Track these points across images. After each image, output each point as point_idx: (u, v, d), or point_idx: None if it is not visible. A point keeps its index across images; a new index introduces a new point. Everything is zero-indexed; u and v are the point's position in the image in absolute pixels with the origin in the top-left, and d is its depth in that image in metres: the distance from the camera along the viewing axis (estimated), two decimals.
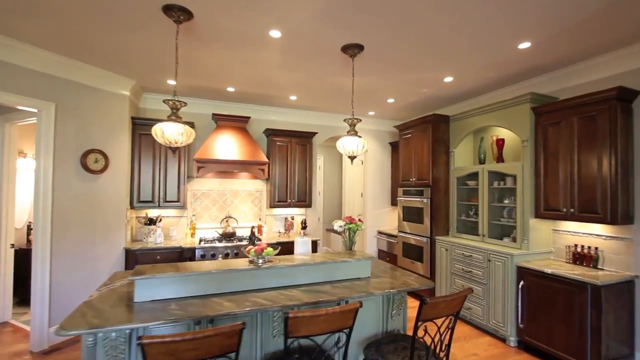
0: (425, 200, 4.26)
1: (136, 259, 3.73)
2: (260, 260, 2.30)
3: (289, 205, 4.69)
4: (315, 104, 4.67)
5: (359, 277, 2.50)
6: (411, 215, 4.59)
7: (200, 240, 4.08)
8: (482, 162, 4.01)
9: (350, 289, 2.21)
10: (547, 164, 3.14)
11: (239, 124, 4.47)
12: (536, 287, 2.94)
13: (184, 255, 3.85)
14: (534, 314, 2.95)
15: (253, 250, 2.26)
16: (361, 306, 1.66)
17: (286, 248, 4.25)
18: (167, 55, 3.02)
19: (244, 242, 4.06)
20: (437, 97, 4.32)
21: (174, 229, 4.37)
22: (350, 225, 2.80)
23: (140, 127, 3.97)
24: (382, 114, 5.23)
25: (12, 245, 3.63)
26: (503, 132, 3.83)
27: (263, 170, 4.28)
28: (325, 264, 2.38)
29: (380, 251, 5.52)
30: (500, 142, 3.75)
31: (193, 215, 4.48)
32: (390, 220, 5.75)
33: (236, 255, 4.02)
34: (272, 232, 4.87)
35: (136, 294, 1.95)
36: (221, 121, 4.39)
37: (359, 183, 6.05)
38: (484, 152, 4.00)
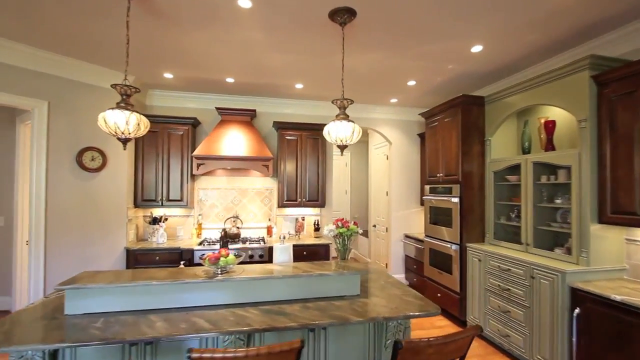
0: (454, 199, 3.55)
1: (136, 260, 3.63)
2: (219, 271, 1.93)
3: (300, 205, 4.29)
4: (326, 92, 4.20)
5: (343, 294, 2.00)
6: (438, 217, 3.89)
7: (203, 242, 3.86)
8: (526, 151, 3.21)
9: (324, 312, 1.73)
10: (616, 150, 2.31)
11: (243, 117, 4.19)
12: (599, 318, 2.15)
13: (183, 256, 3.66)
14: (596, 355, 2.17)
15: (207, 258, 1.90)
16: (302, 346, 1.19)
17: (301, 252, 3.87)
18: (155, 46, 2.81)
19: (248, 245, 3.75)
20: (468, 76, 3.58)
21: (180, 228, 4.23)
22: (341, 230, 2.31)
23: None
24: (406, 100, 4.57)
25: (27, 243, 3.75)
26: (553, 112, 3.00)
27: (267, 166, 3.94)
28: (296, 278, 1.93)
29: (407, 257, 4.86)
30: (549, 126, 2.93)
31: (199, 215, 4.30)
32: (419, 222, 5.05)
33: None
34: (282, 234, 4.51)
35: (66, 306, 1.69)
36: (225, 115, 4.15)
37: (384, 180, 5.43)
38: (528, 138, 3.19)
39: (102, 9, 2.27)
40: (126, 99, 2.02)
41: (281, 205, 4.25)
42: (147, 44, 2.83)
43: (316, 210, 4.66)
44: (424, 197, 4.19)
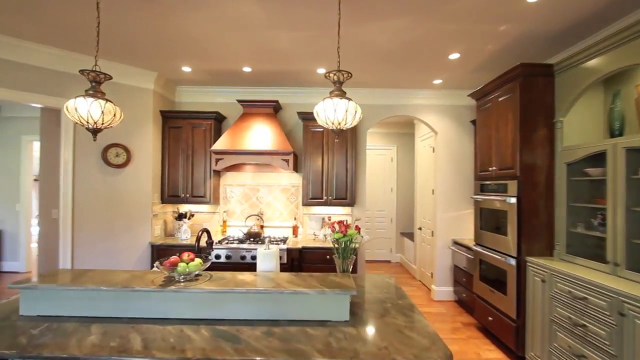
0: (510, 199, 2.78)
1: (159, 255, 3.65)
2: (182, 278, 1.66)
3: (326, 203, 3.89)
4: (359, 75, 3.69)
5: (327, 319, 1.55)
6: (490, 221, 3.13)
7: (224, 239, 3.72)
8: (616, 133, 2.32)
9: (286, 344, 1.32)
10: None
11: (265, 109, 3.94)
12: None
13: (200, 254, 3.55)
14: None
15: (163, 263, 1.64)
16: None
17: (317, 256, 3.51)
18: (162, 37, 2.71)
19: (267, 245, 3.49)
20: (528, 40, 2.75)
21: (207, 225, 4.18)
22: (336, 236, 1.86)
23: (170, 120, 3.90)
24: (452, 81, 3.82)
25: None
26: None
27: (287, 161, 3.62)
28: (264, 293, 1.55)
29: (456, 268, 4.10)
30: None
31: (224, 212, 4.20)
32: (471, 226, 4.22)
33: (253, 259, 3.50)
34: (307, 234, 4.17)
35: (21, 307, 1.58)
36: (246, 107, 3.95)
37: (430, 177, 4.70)
38: (619, 116, 2.30)
39: (116, 5, 2.19)
40: (96, 86, 1.88)
41: (306, 203, 3.91)
42: (154, 35, 2.73)
43: (347, 210, 4.20)
44: (472, 197, 3.43)
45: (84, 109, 1.81)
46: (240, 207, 4.23)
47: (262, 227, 4.14)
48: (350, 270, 1.96)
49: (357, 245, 1.97)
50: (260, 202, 4.23)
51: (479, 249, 3.30)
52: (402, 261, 6.18)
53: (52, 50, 2.99)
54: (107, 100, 1.90)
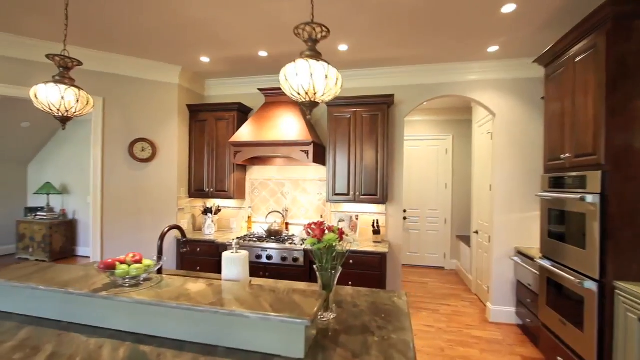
0: (590, 197, 1.98)
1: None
2: (126, 282, 1.44)
3: (354, 200, 3.42)
4: (387, 50, 3.15)
5: (275, 354, 1.16)
6: (561, 227, 2.31)
7: (245, 236, 3.54)
8: None
9: None
10: None
11: (286, 97, 3.62)
12: None
13: (219, 250, 3.43)
14: None
15: (99, 264, 1.43)
16: None
17: (346, 260, 3.09)
18: (179, 26, 2.61)
19: (287, 245, 3.20)
20: None
21: (233, 220, 4.07)
22: (309, 242, 1.44)
23: (196, 114, 3.87)
24: (512, 46, 2.98)
25: None
26: None
27: (307, 152, 3.26)
28: (195, 311, 1.22)
29: (519, 284, 3.24)
30: None
31: (249, 208, 4.03)
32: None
33: (269, 259, 3.24)
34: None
35: None
36: (268, 96, 3.70)
37: (488, 169, 3.86)
38: None
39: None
40: (64, 72, 1.78)
41: (330, 199, 3.50)
42: (164, 24, 2.64)
43: (380, 208, 3.66)
44: (538, 194, 2.60)
45: (54, 95, 1.71)
46: (265, 202, 4.02)
47: (286, 224, 3.86)
48: (333, 285, 1.51)
49: (344, 251, 1.52)
50: (286, 198, 3.95)
51: (545, 263, 2.49)
52: (457, 269, 5.32)
53: (81, 50, 3.13)
54: (77, 87, 1.79)
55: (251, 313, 1.15)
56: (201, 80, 4.08)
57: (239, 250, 1.63)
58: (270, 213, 3.86)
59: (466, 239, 4.99)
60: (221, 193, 3.80)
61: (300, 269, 3.16)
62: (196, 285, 1.44)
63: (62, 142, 6.10)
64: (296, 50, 3.16)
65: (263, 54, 3.28)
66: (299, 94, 1.36)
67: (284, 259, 3.19)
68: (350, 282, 3.10)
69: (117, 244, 3.43)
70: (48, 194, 5.83)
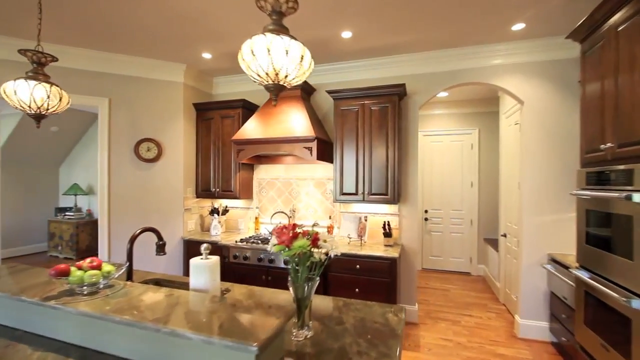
0: (638, 196, 1.60)
1: (189, 250, 3.59)
2: (84, 290, 1.32)
3: (363, 200, 3.18)
4: (396, 35, 2.87)
5: None
6: (602, 231, 1.93)
7: (249, 238, 3.41)
8: None
9: None
10: None
11: (291, 92, 3.44)
12: None
13: (222, 252, 3.33)
14: None
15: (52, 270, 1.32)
16: None
17: (343, 265, 2.89)
18: (174, 20, 2.54)
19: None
20: None
21: (242, 221, 3.96)
22: (275, 248, 1.25)
23: (202, 113, 3.81)
24: (540, 22, 2.57)
25: None
26: None
27: (310, 149, 3.06)
28: (137, 327, 1.07)
29: (552, 296, 2.83)
30: None
31: (257, 208, 3.90)
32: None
33: (271, 262, 3.08)
34: (341, 236, 3.51)
35: None
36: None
37: (515, 165, 3.44)
38: None
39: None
40: (37, 68, 1.71)
41: (337, 199, 3.27)
42: (163, 20, 2.56)
43: (392, 209, 3.38)
44: (572, 193, 2.21)
45: (25, 92, 1.65)
46: (273, 202, 3.87)
47: (294, 225, 3.67)
48: (309, 299, 1.30)
49: (321, 260, 1.30)
50: (294, 198, 3.78)
51: (582, 274, 2.10)
52: (485, 275, 4.87)
53: (85, 51, 3.15)
54: (51, 83, 1.71)
55: (193, 334, 0.97)
56: (208, 78, 4.01)
57: (209, 256, 1.47)
58: (275, 214, 3.70)
59: (494, 243, 4.54)
60: (227, 193, 3.70)
61: None
62: (154, 296, 1.29)
63: (89, 144, 6.36)
64: (302, 40, 2.96)
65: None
66: (259, 75, 1.17)
67: (286, 262, 3.00)
68: (356, 289, 2.87)
69: (124, 244, 3.43)
70: (75, 195, 6.10)
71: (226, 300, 1.25)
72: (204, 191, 3.82)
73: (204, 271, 1.41)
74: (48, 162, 6.42)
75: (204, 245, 1.48)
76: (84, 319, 1.19)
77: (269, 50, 1.19)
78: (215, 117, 3.75)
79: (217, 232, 3.68)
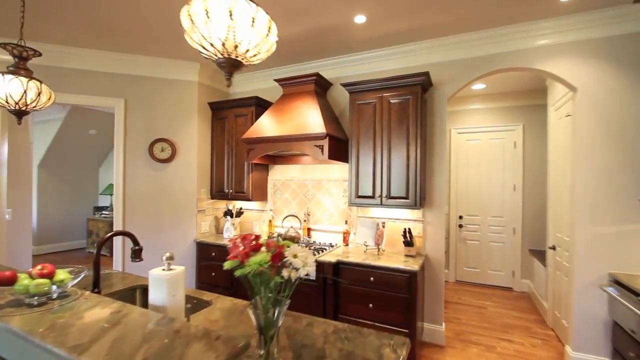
0: None
1: (200, 252, 3.50)
2: (35, 299, 1.19)
3: (380, 204, 2.85)
4: (416, 17, 2.53)
5: None
6: None
7: None
8: None
9: None
10: None
11: (304, 86, 3.22)
12: None
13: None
14: None
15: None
16: None
17: (356, 275, 2.60)
18: (162, 14, 2.46)
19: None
20: None
21: (256, 223, 3.81)
22: (228, 264, 1.02)
23: (217, 112, 3.72)
24: None
25: None
26: None
27: (321, 147, 2.80)
28: (49, 352, 0.88)
29: (616, 327, 2.28)
30: None
31: (271, 210, 3.72)
32: None
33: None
34: (357, 243, 3.19)
35: None
36: (285, 87, 3.34)
37: (567, 165, 2.89)
38: None
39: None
40: (19, 63, 1.64)
41: (352, 202, 2.98)
42: (166, 17, 2.48)
43: (415, 214, 3.00)
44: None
45: (2, 88, 1.59)
46: (287, 205, 3.66)
47: (308, 230, 3.44)
48: (276, 326, 1.04)
49: (289, 279, 1.04)
50: (309, 200, 3.54)
51: None
52: (530, 292, 4.25)
53: (100, 53, 3.19)
54: (33, 78, 1.64)
55: None
56: (222, 76, 3.92)
57: (173, 267, 1.27)
58: (286, 217, 3.49)
59: (541, 255, 3.93)
60: (239, 194, 3.56)
61: (312, 284, 2.71)
62: (99, 312, 1.11)
63: None
64: (309, 29, 2.74)
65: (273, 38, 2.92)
66: (212, 45, 0.94)
67: (296, 269, 2.76)
68: (370, 305, 2.55)
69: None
70: (111, 195, 6.39)
71: (173, 324, 1.03)
72: (218, 192, 3.72)
73: (162, 286, 1.21)
74: (89, 163, 6.82)
75: (166, 255, 1.28)
76: (10, 336, 1.03)
77: (231, 14, 0.95)
78: (229, 116, 3.63)
79: (230, 235, 3.55)
